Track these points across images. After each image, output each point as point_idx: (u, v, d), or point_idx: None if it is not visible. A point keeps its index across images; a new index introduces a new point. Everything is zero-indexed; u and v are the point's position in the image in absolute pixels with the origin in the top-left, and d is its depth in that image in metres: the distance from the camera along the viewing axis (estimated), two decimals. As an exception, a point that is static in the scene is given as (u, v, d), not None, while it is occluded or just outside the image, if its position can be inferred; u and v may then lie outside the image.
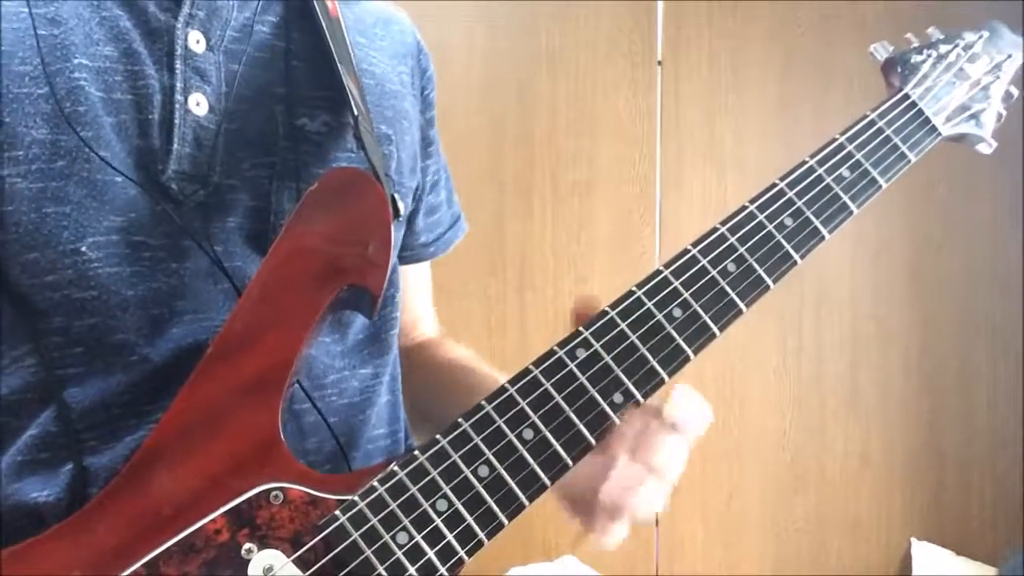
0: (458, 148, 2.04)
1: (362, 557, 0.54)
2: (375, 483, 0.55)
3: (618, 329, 0.60)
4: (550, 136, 2.14)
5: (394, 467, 0.56)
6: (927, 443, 2.28)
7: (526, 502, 0.56)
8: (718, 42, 2.22)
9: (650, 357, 0.60)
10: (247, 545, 0.53)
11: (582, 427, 0.58)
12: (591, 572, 2.01)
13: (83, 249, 0.57)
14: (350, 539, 0.54)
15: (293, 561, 0.53)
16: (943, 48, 0.76)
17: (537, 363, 0.59)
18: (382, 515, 0.54)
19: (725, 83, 2.22)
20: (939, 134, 0.72)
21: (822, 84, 2.22)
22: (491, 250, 2.10)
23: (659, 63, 2.20)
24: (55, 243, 0.56)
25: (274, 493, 0.55)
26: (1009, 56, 0.77)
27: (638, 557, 2.15)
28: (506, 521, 0.56)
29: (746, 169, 2.21)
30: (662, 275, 0.62)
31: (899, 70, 0.74)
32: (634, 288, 0.61)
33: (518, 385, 0.58)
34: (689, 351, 0.61)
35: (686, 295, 0.61)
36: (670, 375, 0.60)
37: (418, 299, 0.89)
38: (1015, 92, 0.78)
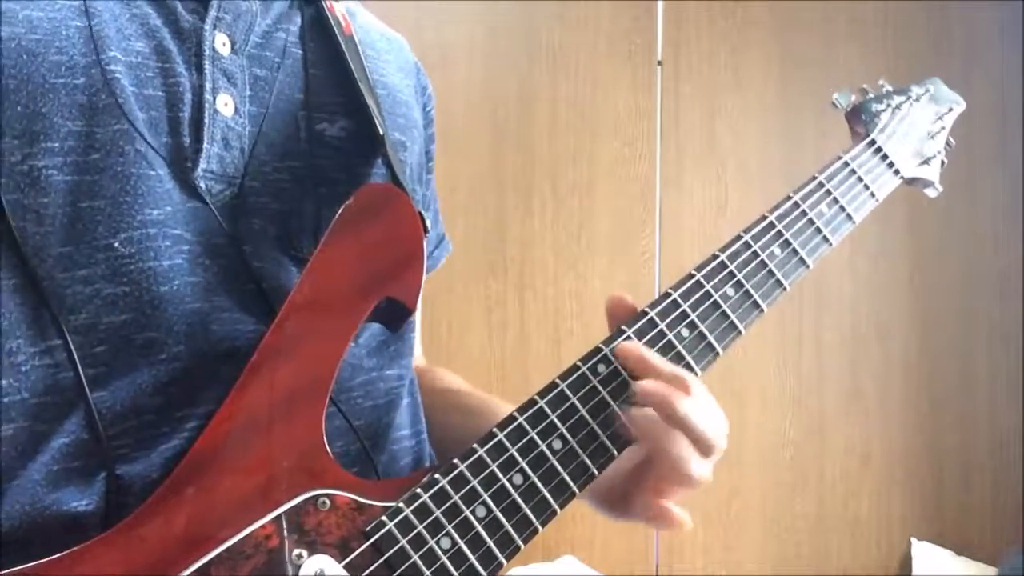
0: (458, 148, 2.06)
1: (410, 562, 0.55)
2: (418, 490, 0.57)
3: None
4: (550, 136, 2.14)
5: (436, 475, 0.58)
6: (927, 443, 2.28)
7: (558, 509, 0.60)
8: (718, 42, 2.22)
9: None
10: (297, 551, 0.54)
11: (606, 439, 0.62)
12: (591, 572, 2.01)
13: (116, 245, 0.56)
14: (398, 545, 0.55)
15: (344, 566, 0.54)
16: (896, 99, 0.85)
17: (563, 377, 0.63)
18: (427, 521, 0.56)
19: (725, 83, 2.22)
20: (901, 177, 0.80)
21: (822, 84, 2.22)
22: (491, 250, 2.10)
23: (659, 63, 2.20)
24: (89, 238, 0.56)
25: (321, 499, 0.56)
26: (950, 109, 0.87)
27: (638, 557, 2.15)
28: (540, 527, 0.59)
29: (746, 169, 2.21)
30: (671, 298, 0.67)
31: (863, 118, 0.83)
32: (647, 309, 0.66)
33: (547, 398, 0.62)
34: (697, 369, 0.66)
35: (693, 317, 0.67)
36: None
37: None
38: (953, 142, 0.87)
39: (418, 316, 0.89)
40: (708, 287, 0.67)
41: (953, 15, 2.25)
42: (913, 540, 2.23)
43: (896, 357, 2.27)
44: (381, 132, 0.67)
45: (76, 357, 0.55)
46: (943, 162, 0.86)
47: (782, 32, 2.24)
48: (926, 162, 0.83)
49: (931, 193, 0.86)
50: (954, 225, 2.28)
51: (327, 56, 0.69)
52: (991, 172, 2.27)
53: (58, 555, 0.51)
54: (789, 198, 0.73)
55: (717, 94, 2.22)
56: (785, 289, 0.71)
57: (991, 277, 2.29)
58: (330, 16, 0.70)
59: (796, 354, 2.23)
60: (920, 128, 0.83)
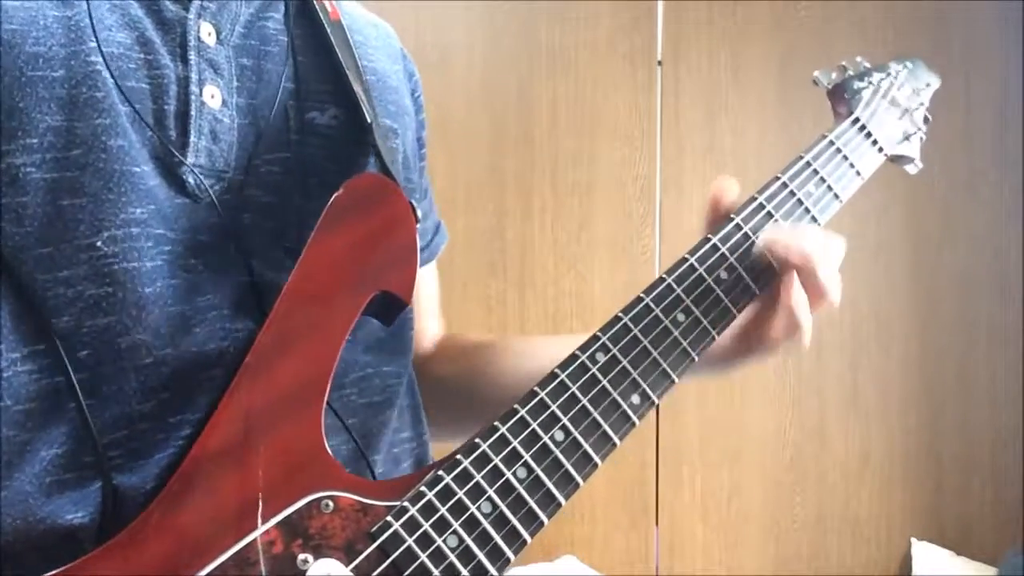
0: (458, 148, 2.06)
1: (417, 562, 0.54)
2: (423, 488, 0.56)
3: (631, 334, 0.64)
4: (550, 136, 2.14)
5: (440, 472, 0.57)
6: (927, 443, 2.28)
7: (563, 500, 0.59)
8: (718, 42, 2.22)
9: (661, 360, 0.64)
10: (302, 555, 0.53)
11: (608, 428, 0.61)
12: (591, 572, 2.01)
13: (98, 244, 0.54)
14: (404, 545, 0.54)
15: (351, 570, 0.53)
16: (877, 76, 0.84)
17: (562, 367, 0.62)
18: (433, 519, 0.55)
19: (725, 83, 2.22)
20: (885, 154, 0.80)
21: (822, 84, 2.22)
22: (491, 250, 2.10)
23: (659, 63, 2.20)
24: (71, 237, 0.54)
25: (324, 502, 0.54)
26: (927, 84, 0.87)
27: (638, 557, 2.15)
28: (546, 520, 0.58)
29: (746, 169, 2.20)
30: (665, 283, 0.66)
31: (845, 96, 0.82)
32: (642, 295, 0.66)
33: (547, 389, 0.61)
34: (693, 354, 0.65)
35: (687, 302, 0.66)
36: (679, 377, 0.64)
37: (427, 304, 0.88)
38: (930, 117, 0.87)
39: (434, 292, 0.88)
40: (701, 270, 0.67)
41: (953, 15, 2.25)
42: (913, 540, 2.23)
43: (896, 357, 2.27)
44: (369, 120, 0.66)
45: (54, 363, 0.53)
46: (922, 138, 0.86)
47: (782, 32, 2.24)
48: (907, 139, 0.83)
49: (911, 170, 0.86)
50: (954, 225, 2.28)
51: (315, 43, 0.67)
52: (991, 172, 2.27)
53: (57, 571, 0.49)
54: (777, 179, 0.73)
55: (717, 94, 2.22)
56: (777, 272, 0.70)
57: (991, 277, 2.28)
58: (315, 3, 0.69)
59: (796, 354, 2.23)
60: (899, 105, 0.83)
